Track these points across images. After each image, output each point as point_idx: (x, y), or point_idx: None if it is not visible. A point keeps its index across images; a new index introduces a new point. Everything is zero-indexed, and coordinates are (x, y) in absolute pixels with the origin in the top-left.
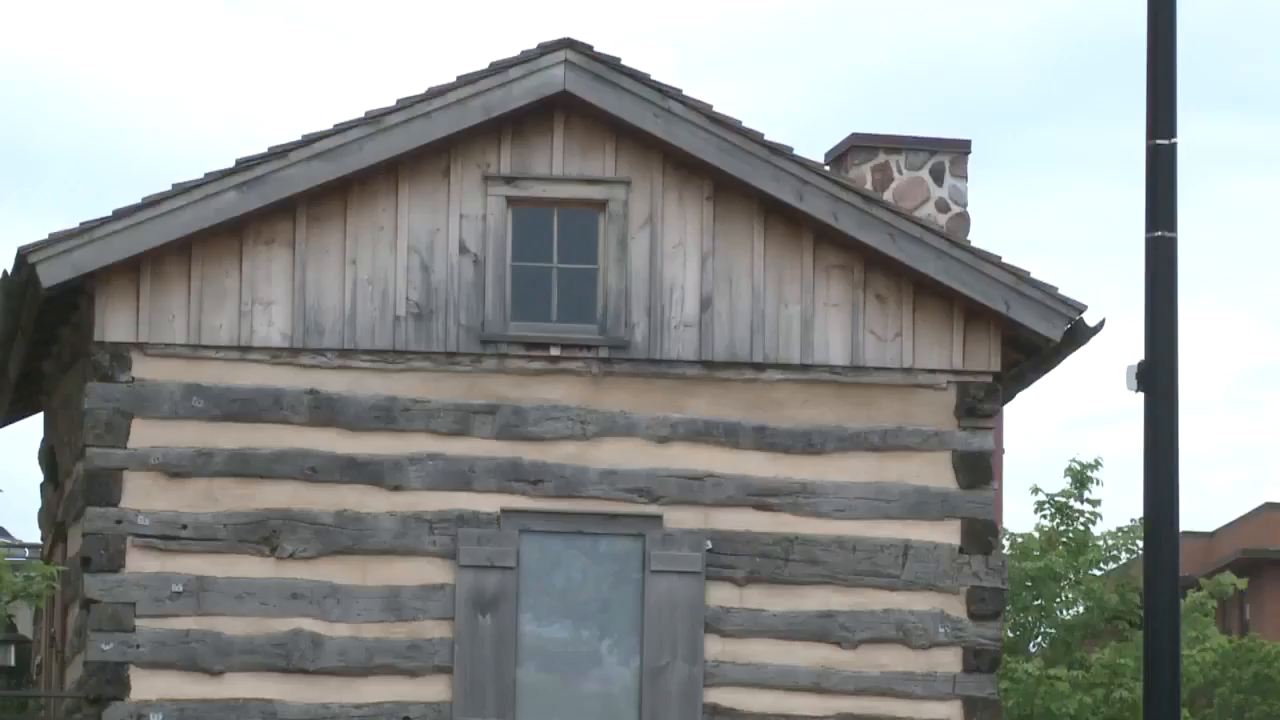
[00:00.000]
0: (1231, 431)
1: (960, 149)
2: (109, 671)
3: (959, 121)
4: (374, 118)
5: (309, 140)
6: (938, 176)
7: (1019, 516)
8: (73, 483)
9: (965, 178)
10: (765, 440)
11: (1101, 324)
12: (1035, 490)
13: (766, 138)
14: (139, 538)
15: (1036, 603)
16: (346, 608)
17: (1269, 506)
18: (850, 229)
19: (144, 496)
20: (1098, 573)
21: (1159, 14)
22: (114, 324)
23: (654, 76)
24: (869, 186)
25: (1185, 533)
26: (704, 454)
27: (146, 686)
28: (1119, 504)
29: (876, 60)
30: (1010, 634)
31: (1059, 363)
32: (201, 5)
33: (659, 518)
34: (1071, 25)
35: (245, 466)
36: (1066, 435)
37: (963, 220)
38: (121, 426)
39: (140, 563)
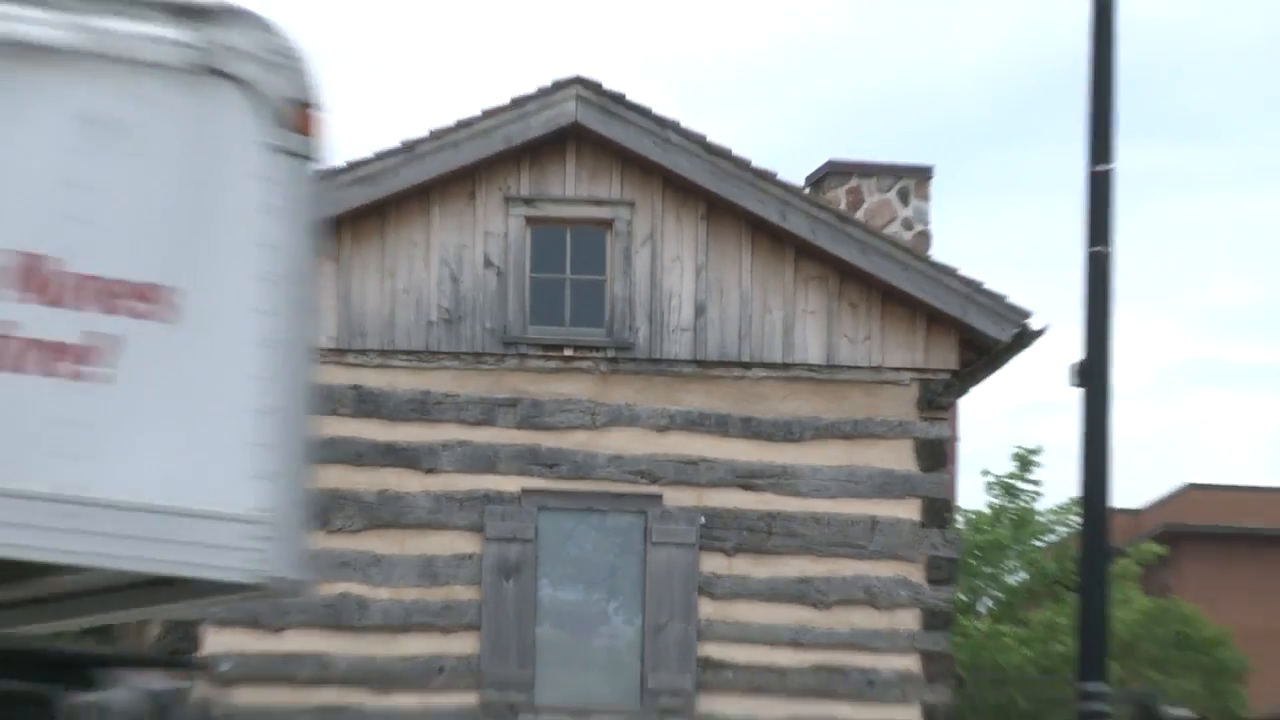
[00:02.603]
0: (1156, 420)
1: (923, 174)
2: (183, 629)
3: (924, 147)
4: (408, 146)
5: (352, 166)
6: (903, 198)
7: (971, 495)
8: None
9: (927, 199)
10: (751, 429)
11: (1045, 328)
12: (986, 473)
13: (754, 164)
14: None
15: (986, 570)
16: (388, 574)
17: (1190, 486)
18: (827, 245)
19: None
20: (1039, 544)
21: (1100, 53)
22: None
23: (655, 109)
24: (843, 207)
25: (1115, 509)
26: (698, 441)
27: (217, 641)
28: (1059, 484)
29: (851, 93)
30: (962, 597)
31: (1008, 361)
32: None
33: (659, 497)
34: (1025, 59)
35: None
36: (1014, 424)
37: (925, 237)
38: None
39: None
